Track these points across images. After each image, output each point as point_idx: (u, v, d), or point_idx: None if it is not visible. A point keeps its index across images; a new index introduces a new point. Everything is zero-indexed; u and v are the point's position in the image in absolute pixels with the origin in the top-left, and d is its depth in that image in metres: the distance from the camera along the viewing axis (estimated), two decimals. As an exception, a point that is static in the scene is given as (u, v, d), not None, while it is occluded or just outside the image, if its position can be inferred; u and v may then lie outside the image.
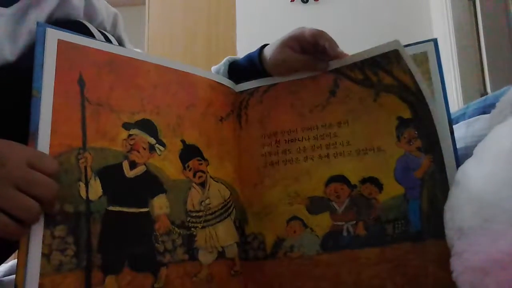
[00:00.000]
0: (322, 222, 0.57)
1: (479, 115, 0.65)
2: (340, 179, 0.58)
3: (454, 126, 0.66)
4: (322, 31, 0.63)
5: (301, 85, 0.63)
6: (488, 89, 1.92)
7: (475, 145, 0.47)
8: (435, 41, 0.58)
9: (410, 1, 2.37)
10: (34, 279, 0.42)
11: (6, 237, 0.41)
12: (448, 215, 0.44)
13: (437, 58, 0.58)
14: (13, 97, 0.47)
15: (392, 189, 0.55)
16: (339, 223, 0.57)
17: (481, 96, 1.68)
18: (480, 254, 0.37)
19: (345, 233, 0.56)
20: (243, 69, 0.69)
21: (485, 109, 0.64)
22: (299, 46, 0.63)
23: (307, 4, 2.42)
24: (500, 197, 0.38)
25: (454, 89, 1.99)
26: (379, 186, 0.56)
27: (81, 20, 0.63)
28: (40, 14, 0.58)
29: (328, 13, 2.39)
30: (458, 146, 0.59)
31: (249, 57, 0.69)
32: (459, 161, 0.54)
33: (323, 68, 0.62)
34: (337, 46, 0.62)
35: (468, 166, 0.45)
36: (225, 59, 0.73)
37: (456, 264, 0.40)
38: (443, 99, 0.57)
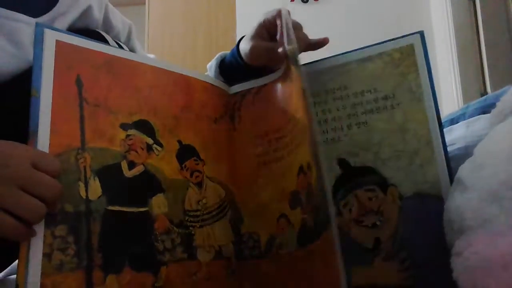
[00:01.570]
0: (297, 217, 0.56)
1: (479, 115, 0.65)
2: (302, 168, 0.56)
3: (454, 126, 0.66)
4: (282, 10, 0.59)
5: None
6: (488, 89, 1.92)
7: (475, 145, 0.47)
8: (421, 33, 0.58)
9: (410, 1, 2.37)
10: (36, 279, 0.42)
11: (13, 239, 0.41)
12: (448, 215, 0.44)
13: (424, 50, 0.58)
14: None
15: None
16: (305, 215, 0.55)
17: (481, 96, 1.68)
18: (480, 254, 0.37)
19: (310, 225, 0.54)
20: (229, 64, 0.69)
21: (485, 109, 0.64)
22: (267, 33, 0.62)
23: (307, 4, 2.42)
24: (500, 196, 0.38)
25: (454, 89, 1.99)
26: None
27: (99, 31, 0.65)
28: (63, 24, 0.61)
29: (328, 13, 2.39)
30: (458, 146, 0.59)
31: (232, 52, 0.69)
32: (448, 157, 0.54)
33: (283, 55, 0.57)
34: (292, 29, 0.56)
35: (468, 165, 0.45)
36: (218, 54, 0.73)
37: (456, 264, 0.40)
38: (431, 92, 0.56)
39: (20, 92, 0.48)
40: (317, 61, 0.63)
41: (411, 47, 0.58)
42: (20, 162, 0.42)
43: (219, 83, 0.65)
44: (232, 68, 0.67)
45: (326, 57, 0.62)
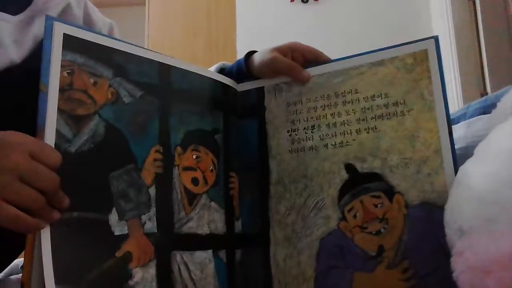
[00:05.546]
0: None
1: (479, 115, 0.65)
2: None
3: (454, 126, 0.66)
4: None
5: None
6: (488, 89, 1.92)
7: (476, 145, 0.47)
8: (436, 38, 0.57)
9: (410, 1, 2.37)
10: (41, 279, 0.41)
11: (19, 230, 0.41)
12: (448, 215, 0.44)
13: (437, 56, 0.57)
14: (20, 96, 0.47)
15: None
16: None
17: (481, 96, 1.68)
18: (480, 254, 0.37)
19: None
20: (229, 72, 0.70)
21: (486, 109, 0.64)
22: (291, 53, 0.65)
23: (307, 4, 2.42)
24: (501, 197, 0.38)
25: (454, 89, 1.99)
26: None
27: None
28: (43, 22, 0.60)
29: (328, 13, 2.39)
30: (458, 146, 0.59)
31: (237, 61, 0.71)
32: (457, 167, 0.52)
33: (307, 79, 0.63)
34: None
35: (469, 166, 0.45)
36: (218, 63, 0.74)
37: (457, 264, 0.40)
38: (442, 99, 0.56)
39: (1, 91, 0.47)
40: (329, 62, 0.63)
41: (424, 52, 0.57)
42: (18, 153, 0.41)
43: (226, 80, 0.65)
44: (231, 76, 0.68)
45: (338, 58, 0.62)
